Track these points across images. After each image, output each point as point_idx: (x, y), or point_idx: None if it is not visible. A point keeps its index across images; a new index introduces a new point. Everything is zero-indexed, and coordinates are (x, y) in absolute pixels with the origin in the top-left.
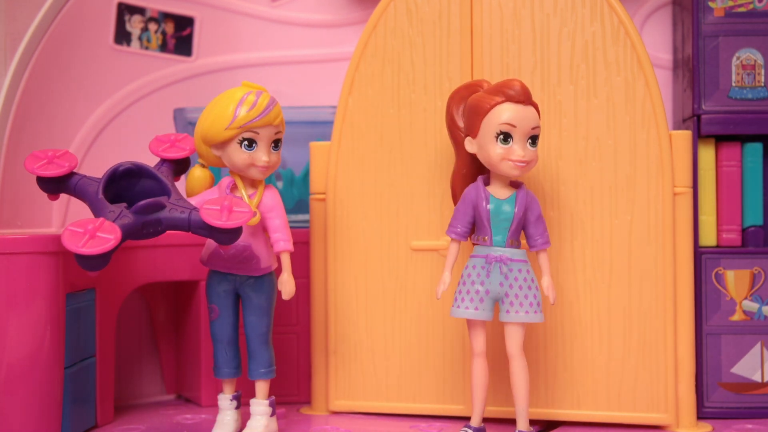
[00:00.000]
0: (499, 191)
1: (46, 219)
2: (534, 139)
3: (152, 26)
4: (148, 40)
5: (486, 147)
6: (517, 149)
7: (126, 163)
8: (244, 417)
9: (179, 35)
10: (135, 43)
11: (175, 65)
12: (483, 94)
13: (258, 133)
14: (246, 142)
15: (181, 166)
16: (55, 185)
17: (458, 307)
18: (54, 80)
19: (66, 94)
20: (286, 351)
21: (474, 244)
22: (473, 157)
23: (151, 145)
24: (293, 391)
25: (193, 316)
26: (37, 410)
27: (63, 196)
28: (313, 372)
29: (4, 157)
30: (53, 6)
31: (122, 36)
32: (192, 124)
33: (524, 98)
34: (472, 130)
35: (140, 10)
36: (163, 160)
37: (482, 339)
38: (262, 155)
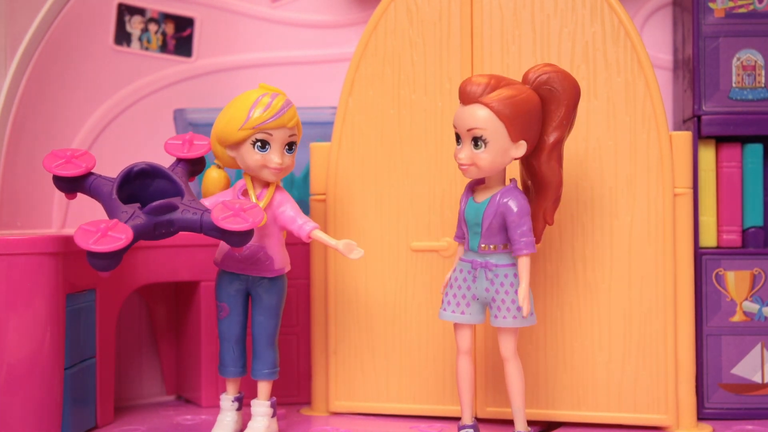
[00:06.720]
0: (481, 194)
1: (46, 219)
2: (476, 141)
3: (152, 27)
4: (148, 41)
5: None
6: (458, 152)
7: (141, 163)
8: (244, 419)
9: (179, 36)
10: (135, 43)
11: (175, 66)
12: None
13: (271, 135)
14: (259, 143)
15: (196, 167)
16: (71, 185)
17: (445, 310)
18: (54, 81)
19: (66, 95)
20: (286, 351)
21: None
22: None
23: (166, 144)
24: (293, 391)
25: (193, 316)
26: (37, 411)
27: (60, 194)
28: (313, 372)
29: (4, 157)
30: (53, 6)
31: (122, 37)
32: (192, 125)
33: (463, 98)
34: None
35: (140, 11)
36: (179, 160)
37: (467, 338)
38: (274, 157)
